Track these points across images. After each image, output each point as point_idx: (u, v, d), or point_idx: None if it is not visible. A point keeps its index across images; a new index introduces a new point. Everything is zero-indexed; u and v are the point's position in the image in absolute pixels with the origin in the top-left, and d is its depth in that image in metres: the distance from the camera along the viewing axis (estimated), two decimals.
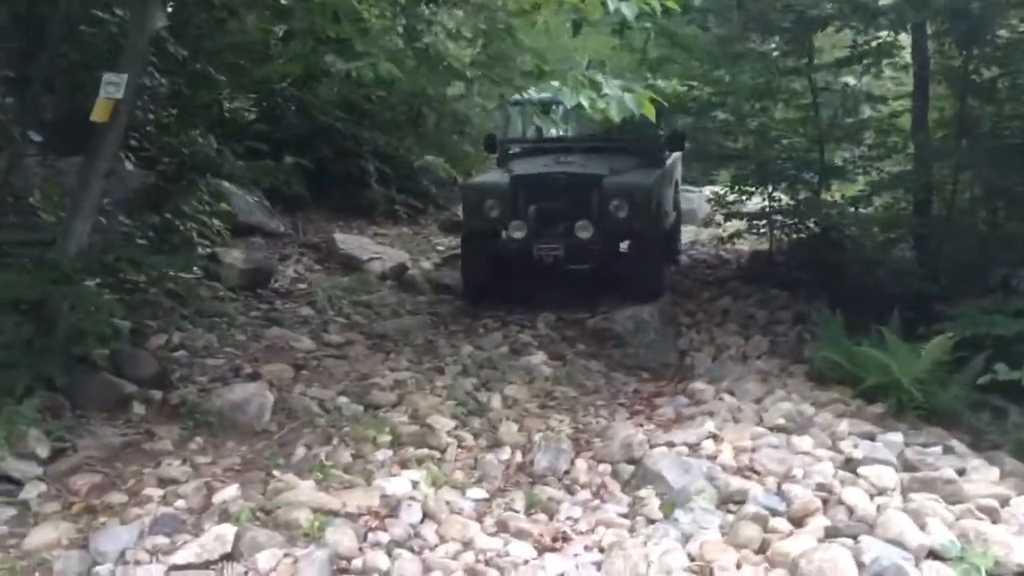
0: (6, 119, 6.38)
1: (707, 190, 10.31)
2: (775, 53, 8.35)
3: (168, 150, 7.87)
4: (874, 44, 7.77)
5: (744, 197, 9.06)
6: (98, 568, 3.23)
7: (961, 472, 4.26)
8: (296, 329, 6.43)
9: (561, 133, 8.78)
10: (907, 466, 4.28)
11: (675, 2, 4.22)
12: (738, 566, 3.35)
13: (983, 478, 4.16)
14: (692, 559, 3.41)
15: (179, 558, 3.23)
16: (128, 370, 5.05)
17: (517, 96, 5.70)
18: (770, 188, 8.81)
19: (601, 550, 3.53)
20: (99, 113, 5.27)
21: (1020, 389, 4.88)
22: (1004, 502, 3.85)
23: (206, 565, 3.23)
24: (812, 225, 8.29)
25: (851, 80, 8.63)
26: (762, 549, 3.48)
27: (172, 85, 7.66)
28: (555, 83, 3.93)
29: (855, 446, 4.44)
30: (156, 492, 3.84)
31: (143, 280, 6.14)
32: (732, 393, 5.56)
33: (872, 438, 4.70)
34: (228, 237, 8.26)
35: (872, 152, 8.30)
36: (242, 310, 6.70)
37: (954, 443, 4.83)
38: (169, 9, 6.52)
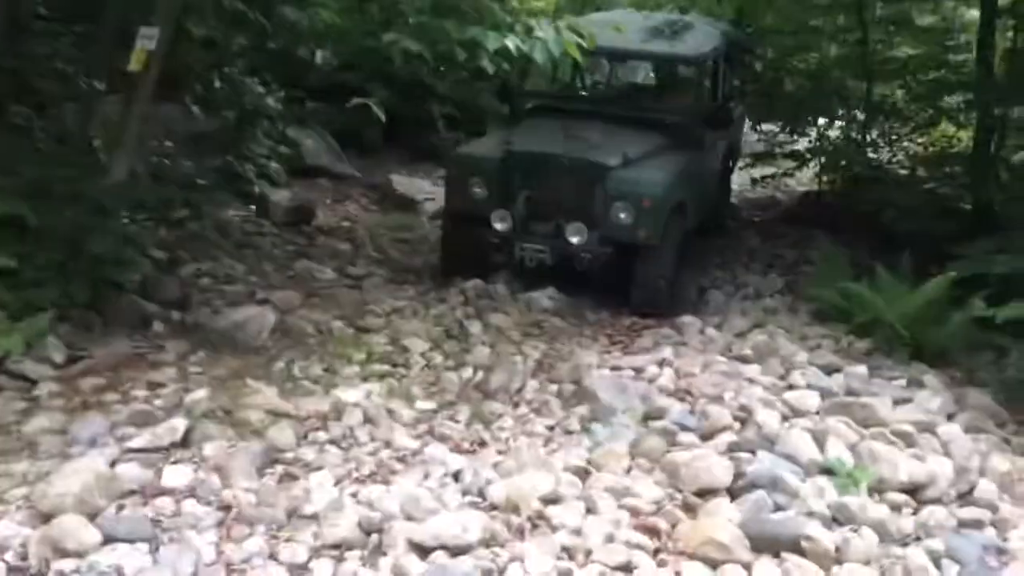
0: (75, 71, 7.10)
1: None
2: None
3: (230, 100, 8.51)
4: None
5: (794, 136, 8.92)
6: (71, 449, 3.78)
7: (905, 401, 4.31)
8: (324, 262, 6.85)
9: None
10: (848, 393, 4.34)
11: None
12: (628, 471, 3.58)
13: (919, 407, 4.19)
14: (589, 463, 3.66)
15: (135, 443, 3.74)
16: (155, 293, 5.61)
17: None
18: (819, 125, 8.67)
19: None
20: (135, 62, 5.83)
21: None
22: (926, 429, 3.91)
23: (157, 450, 3.72)
24: (855, 164, 8.12)
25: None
26: (659, 459, 3.68)
27: (227, 36, 8.24)
28: (478, 27, 4.02)
29: (803, 374, 4.52)
30: (143, 393, 4.38)
31: (187, 214, 6.75)
32: (720, 327, 5.67)
33: (837, 370, 4.77)
34: (287, 178, 8.84)
35: (921, 89, 8.01)
36: (279, 244, 7.19)
37: (928, 378, 4.83)
38: None
